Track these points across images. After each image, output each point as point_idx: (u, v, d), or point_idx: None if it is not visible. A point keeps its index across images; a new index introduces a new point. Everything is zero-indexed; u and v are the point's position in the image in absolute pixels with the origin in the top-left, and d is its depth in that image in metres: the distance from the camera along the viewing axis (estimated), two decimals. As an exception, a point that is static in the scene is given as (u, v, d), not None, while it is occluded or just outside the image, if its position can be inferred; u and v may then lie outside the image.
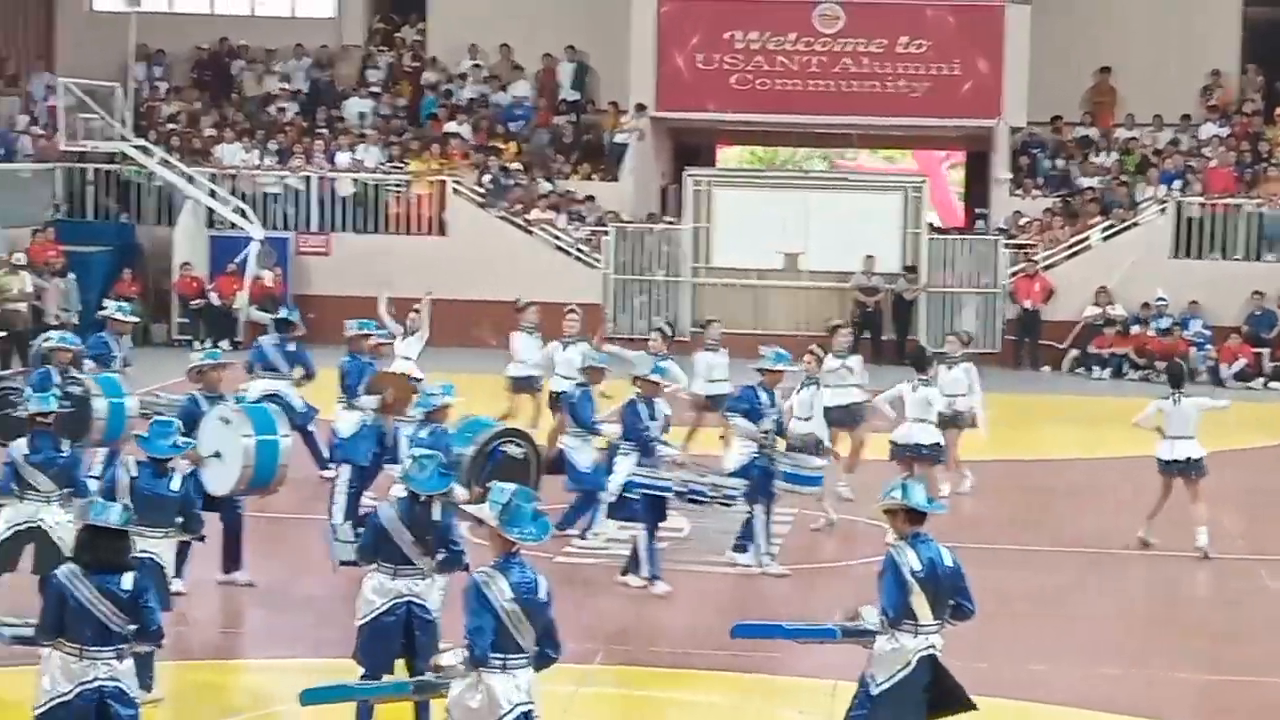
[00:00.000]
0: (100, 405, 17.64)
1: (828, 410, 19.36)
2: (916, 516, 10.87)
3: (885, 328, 33.98)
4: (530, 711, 10.04)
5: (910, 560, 10.73)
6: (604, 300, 34.09)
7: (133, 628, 10.11)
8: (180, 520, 13.54)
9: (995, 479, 22.05)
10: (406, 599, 12.01)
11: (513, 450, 16.58)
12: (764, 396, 17.68)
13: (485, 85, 38.40)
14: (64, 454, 14.44)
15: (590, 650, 14.70)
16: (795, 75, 36.26)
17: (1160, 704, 14.19)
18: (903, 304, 34.00)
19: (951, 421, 20.53)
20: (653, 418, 17.23)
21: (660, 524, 17.15)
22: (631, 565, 17.00)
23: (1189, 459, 18.62)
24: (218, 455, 15.57)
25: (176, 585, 16.11)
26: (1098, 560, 18.91)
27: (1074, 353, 33.63)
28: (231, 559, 16.51)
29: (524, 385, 22.91)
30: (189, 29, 39.60)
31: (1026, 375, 32.71)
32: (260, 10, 40.32)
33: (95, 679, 10.04)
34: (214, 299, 33.68)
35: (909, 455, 19.43)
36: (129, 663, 10.22)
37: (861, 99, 36.14)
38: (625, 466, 16.98)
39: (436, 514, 12.09)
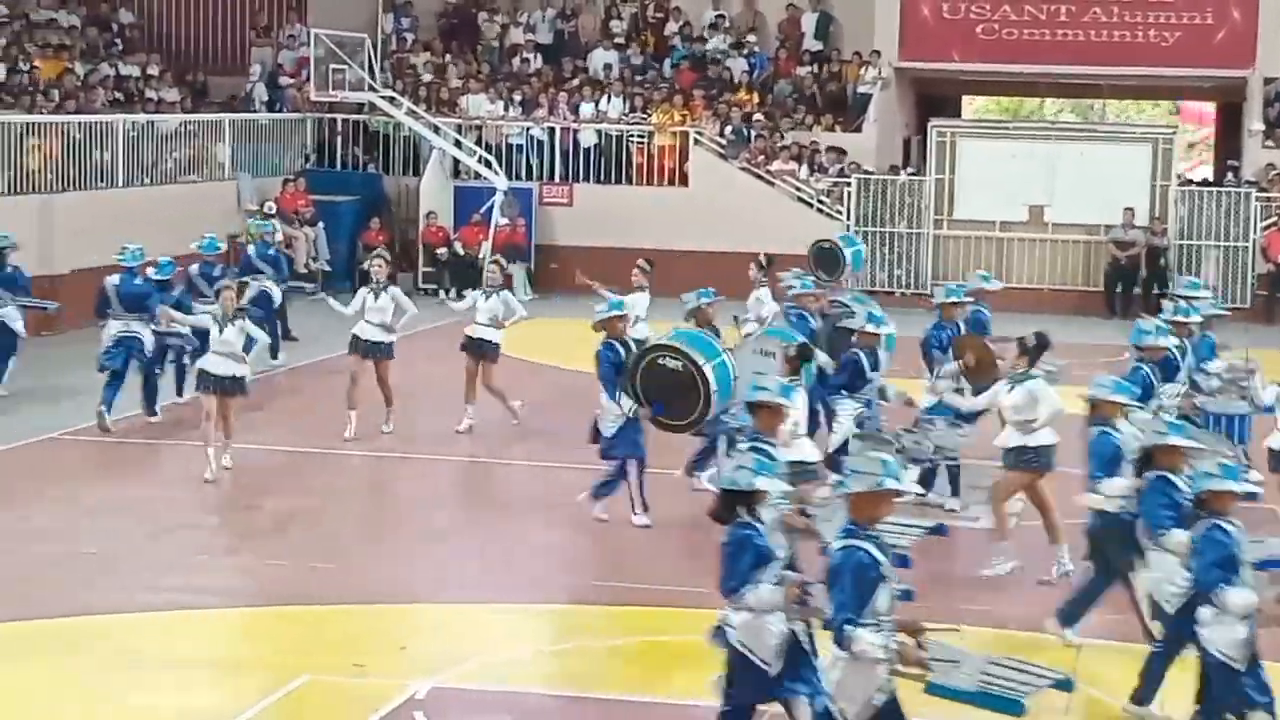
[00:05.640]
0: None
1: None
2: None
3: (1139, 282, 33.37)
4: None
5: None
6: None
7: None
8: None
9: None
10: None
11: (670, 363, 16.55)
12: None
13: (728, 35, 38.35)
14: None
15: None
16: (1043, 25, 35.72)
17: None
18: (1153, 258, 33.37)
19: None
20: (874, 369, 17.20)
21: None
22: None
23: None
24: None
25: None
26: None
27: (1328, 309, 32.77)
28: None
29: None
30: (436, -19, 40.09)
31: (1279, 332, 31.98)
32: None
33: None
34: (459, 249, 34.05)
35: None
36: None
37: (1111, 49, 35.53)
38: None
39: None
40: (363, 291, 21.21)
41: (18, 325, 22.79)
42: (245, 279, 24.47)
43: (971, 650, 9.62)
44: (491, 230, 34.01)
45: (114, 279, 21.57)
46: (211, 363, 18.78)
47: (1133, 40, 35.47)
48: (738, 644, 9.93)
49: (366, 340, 20.89)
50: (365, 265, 23.58)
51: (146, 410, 21.50)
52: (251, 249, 26.47)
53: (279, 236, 28.55)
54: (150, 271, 21.97)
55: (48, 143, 29.59)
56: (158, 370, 21.79)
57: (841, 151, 35.33)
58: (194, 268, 23.93)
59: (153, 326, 20.94)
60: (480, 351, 21.21)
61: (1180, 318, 17.69)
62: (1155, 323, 17.03)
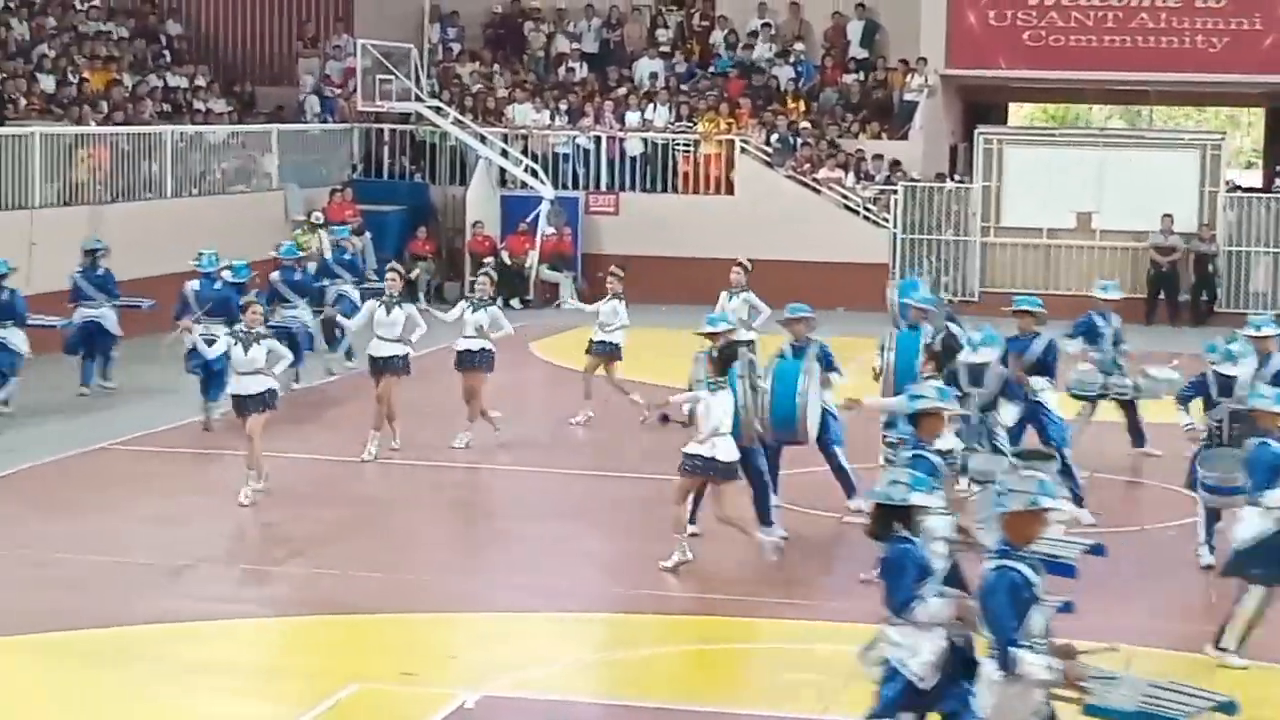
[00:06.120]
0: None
1: None
2: None
3: (1182, 289, 33.21)
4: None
5: None
6: (891, 260, 33.85)
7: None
8: None
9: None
10: None
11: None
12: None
13: (774, 43, 38.33)
14: None
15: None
16: (1089, 31, 35.60)
17: None
18: (1201, 264, 33.19)
19: None
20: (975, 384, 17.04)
21: None
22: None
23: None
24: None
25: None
26: None
27: (1379, 315, 32.54)
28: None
29: None
30: (482, -9, 40.16)
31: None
32: (551, -29, 40.72)
33: None
34: (505, 258, 34.10)
35: None
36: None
37: (1158, 55, 35.38)
38: None
39: None
40: (371, 304, 20.73)
41: (114, 326, 23.59)
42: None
43: (1130, 671, 9.40)
44: (538, 239, 34.10)
45: (194, 284, 21.99)
46: (242, 385, 18.21)
47: (1180, 46, 35.32)
48: (894, 659, 9.82)
49: (380, 358, 20.30)
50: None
51: (204, 407, 21.59)
52: (329, 254, 26.66)
53: (356, 242, 28.75)
54: (226, 275, 22.15)
55: (97, 154, 29.73)
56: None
57: (896, 162, 35.24)
58: (275, 275, 24.08)
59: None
60: (473, 364, 20.71)
61: (1253, 332, 16.99)
62: (1229, 346, 16.43)
